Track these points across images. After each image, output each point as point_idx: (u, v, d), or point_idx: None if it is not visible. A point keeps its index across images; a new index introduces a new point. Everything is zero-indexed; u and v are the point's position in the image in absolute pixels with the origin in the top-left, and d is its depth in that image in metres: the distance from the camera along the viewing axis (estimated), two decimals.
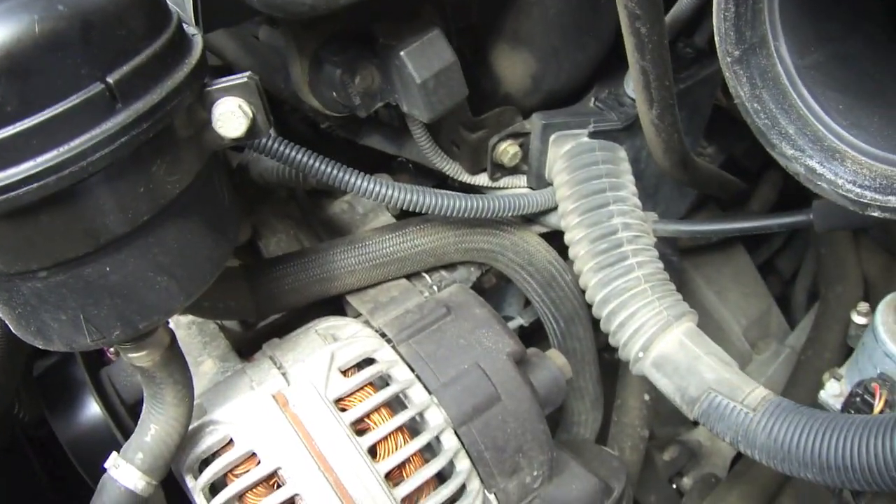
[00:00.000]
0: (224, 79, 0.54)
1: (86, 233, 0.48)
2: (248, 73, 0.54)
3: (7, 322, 0.56)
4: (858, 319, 0.87)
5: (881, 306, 0.74)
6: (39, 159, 0.43)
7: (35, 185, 0.43)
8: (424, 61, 0.74)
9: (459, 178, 0.87)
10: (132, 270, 0.51)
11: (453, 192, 0.80)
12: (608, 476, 0.85)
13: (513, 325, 0.96)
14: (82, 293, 0.52)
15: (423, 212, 0.80)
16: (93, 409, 0.88)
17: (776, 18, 0.58)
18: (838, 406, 0.77)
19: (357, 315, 0.83)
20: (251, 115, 0.53)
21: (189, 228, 0.53)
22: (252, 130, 0.53)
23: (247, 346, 0.85)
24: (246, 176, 0.88)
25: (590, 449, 0.90)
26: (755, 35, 0.58)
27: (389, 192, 0.79)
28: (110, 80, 0.45)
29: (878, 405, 0.65)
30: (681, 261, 1.04)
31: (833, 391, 0.75)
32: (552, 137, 0.83)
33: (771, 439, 0.63)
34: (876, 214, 0.55)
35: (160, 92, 0.46)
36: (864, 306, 0.88)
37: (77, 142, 0.44)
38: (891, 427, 0.56)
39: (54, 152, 0.44)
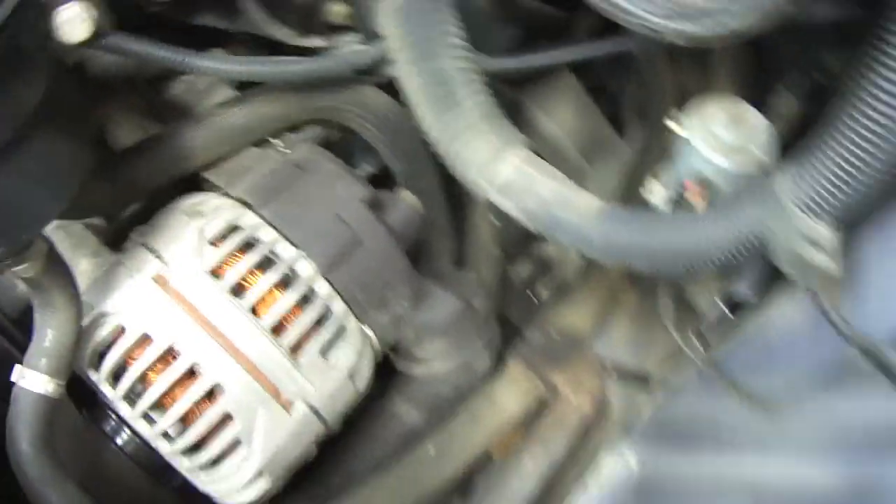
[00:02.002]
0: None
1: None
2: None
3: None
4: (673, 127, 1.00)
5: (688, 112, 0.87)
6: None
7: None
8: None
9: (293, 43, 0.93)
10: (4, 186, 0.56)
11: (288, 58, 0.87)
12: (470, 296, 0.99)
13: (362, 173, 1.05)
14: None
15: (259, 80, 0.86)
16: None
17: None
18: (665, 208, 0.92)
19: (216, 189, 0.91)
20: (94, 17, 0.57)
21: (52, 137, 0.59)
22: (97, 32, 0.58)
23: (115, 239, 0.92)
24: (84, 74, 0.91)
25: (450, 274, 1.04)
26: None
27: (225, 66, 0.85)
28: None
29: (699, 203, 0.79)
30: (513, 92, 1.15)
31: (659, 195, 0.89)
32: None
33: (608, 242, 0.77)
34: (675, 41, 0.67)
35: (2, 13, 0.51)
36: (677, 114, 1.01)
37: None
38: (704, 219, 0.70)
39: None
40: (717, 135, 0.75)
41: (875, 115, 0.58)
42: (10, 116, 0.55)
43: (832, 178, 0.62)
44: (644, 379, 0.95)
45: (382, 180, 1.05)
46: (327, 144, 0.99)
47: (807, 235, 0.65)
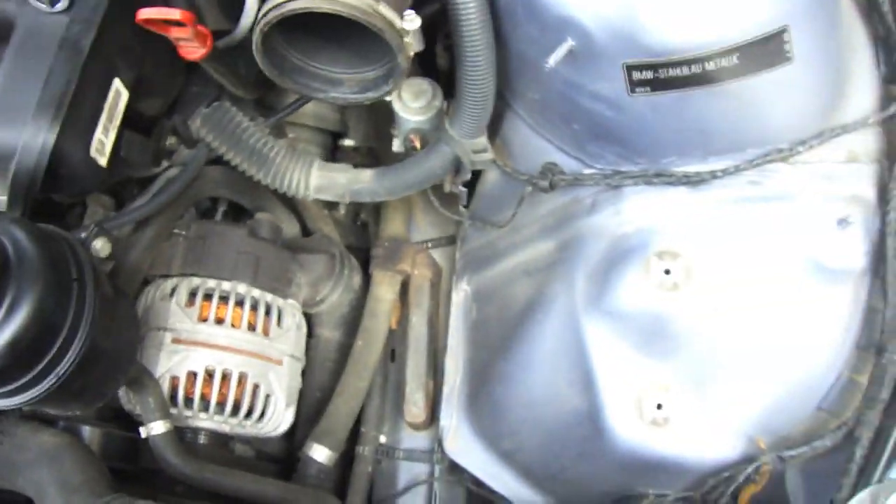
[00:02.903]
0: None
1: None
2: None
3: None
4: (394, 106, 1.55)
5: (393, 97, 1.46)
6: None
7: None
8: None
9: (149, 174, 1.44)
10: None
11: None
12: (328, 248, 1.58)
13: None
14: None
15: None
16: None
17: None
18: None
19: (161, 276, 1.43)
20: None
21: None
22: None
23: None
24: None
25: (311, 243, 1.60)
26: None
27: None
28: None
29: (418, 146, 1.38)
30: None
31: (397, 146, 1.47)
32: None
33: (384, 188, 1.38)
34: None
35: None
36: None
37: None
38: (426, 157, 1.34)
39: None
40: (410, 106, 1.34)
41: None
42: None
43: (467, 116, 1.24)
44: (452, 238, 1.61)
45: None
46: (203, 212, 1.53)
47: (473, 150, 1.30)
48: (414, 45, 1.16)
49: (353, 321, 1.59)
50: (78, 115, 1.15)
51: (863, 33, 1.27)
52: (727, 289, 1.24)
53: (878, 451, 1.13)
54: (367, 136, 1.67)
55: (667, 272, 1.23)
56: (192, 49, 1.22)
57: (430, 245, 1.66)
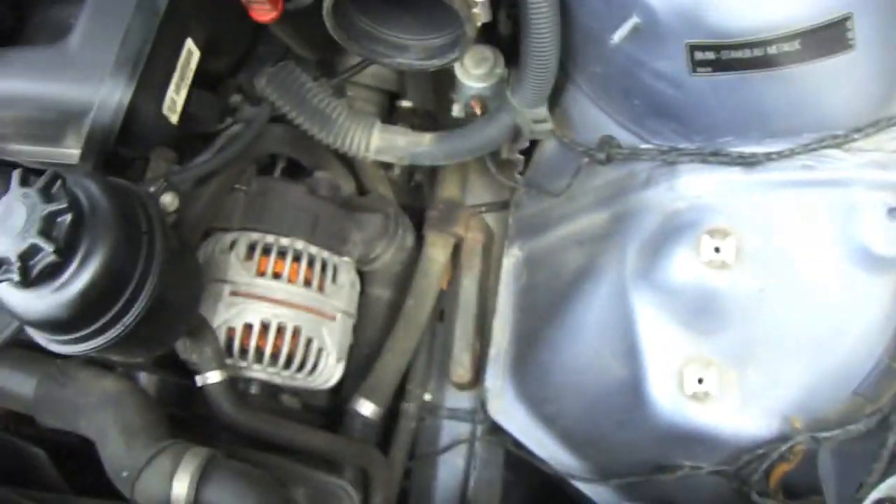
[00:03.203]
0: None
1: None
2: None
3: None
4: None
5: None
6: None
7: None
8: None
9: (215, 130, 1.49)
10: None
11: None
12: (383, 208, 1.62)
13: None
14: None
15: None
16: None
17: None
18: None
19: (223, 230, 1.49)
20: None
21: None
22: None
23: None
24: None
25: (368, 201, 1.64)
26: None
27: None
28: None
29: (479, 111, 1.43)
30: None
31: (457, 110, 1.52)
32: None
33: (444, 153, 1.42)
34: None
35: None
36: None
37: None
38: (485, 124, 1.38)
39: None
40: (472, 72, 1.39)
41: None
42: None
43: (529, 86, 1.28)
44: (505, 204, 1.65)
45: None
46: (263, 168, 1.58)
47: (532, 119, 1.33)
48: (482, 15, 1.18)
49: (405, 280, 1.63)
50: (153, 74, 1.20)
51: None
52: (774, 270, 1.27)
53: None
54: (425, 99, 1.70)
55: (717, 250, 1.26)
56: (264, 11, 1.25)
57: (484, 209, 1.69)
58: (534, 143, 1.51)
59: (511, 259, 1.51)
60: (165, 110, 1.24)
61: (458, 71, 1.38)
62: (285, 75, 1.43)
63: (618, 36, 1.16)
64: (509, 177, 1.56)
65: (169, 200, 1.25)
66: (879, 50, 1.19)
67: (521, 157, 1.48)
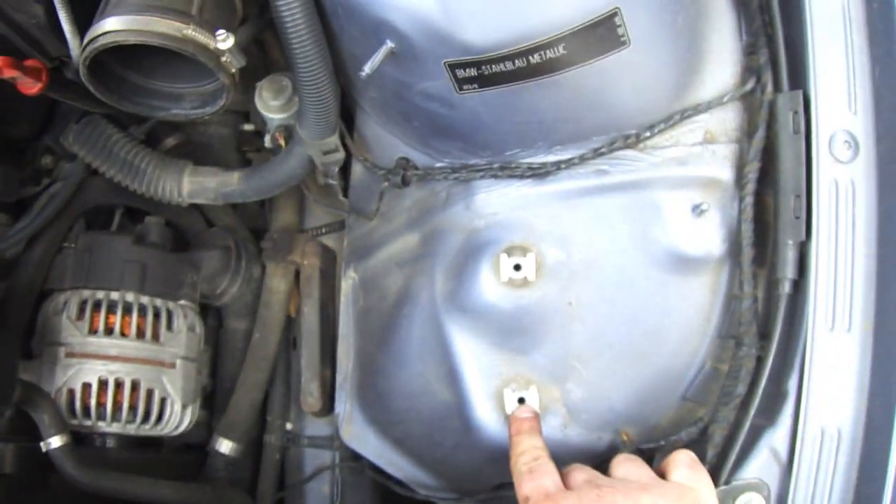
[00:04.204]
0: None
1: None
2: None
3: None
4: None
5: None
6: None
7: None
8: None
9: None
10: None
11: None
12: (223, 242, 1.60)
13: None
14: None
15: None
16: None
17: None
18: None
19: (56, 290, 1.47)
20: None
21: None
22: None
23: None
24: None
25: (208, 237, 1.62)
26: None
27: None
28: None
29: (282, 142, 1.38)
30: None
31: (267, 143, 1.48)
32: None
33: (251, 188, 1.39)
34: None
35: None
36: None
37: None
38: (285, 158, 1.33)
39: None
40: (270, 104, 1.33)
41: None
42: None
43: (310, 118, 1.22)
44: (342, 224, 1.60)
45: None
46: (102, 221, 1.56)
47: (323, 150, 1.28)
48: (234, 61, 1.13)
49: (255, 308, 1.62)
50: None
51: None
52: (581, 282, 1.22)
53: (728, 449, 1.12)
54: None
55: (517, 268, 1.21)
56: (29, 85, 1.22)
57: (324, 231, 1.65)
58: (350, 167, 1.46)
59: (349, 281, 1.47)
60: None
61: (258, 103, 1.34)
62: (90, 130, 1.41)
63: (369, 66, 1.10)
64: (334, 201, 1.51)
65: None
66: (663, 39, 1.13)
67: (335, 183, 1.44)
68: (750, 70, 1.18)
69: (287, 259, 1.57)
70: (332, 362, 1.53)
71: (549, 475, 1.04)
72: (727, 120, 1.19)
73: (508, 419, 1.20)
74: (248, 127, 1.64)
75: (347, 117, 1.37)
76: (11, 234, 1.39)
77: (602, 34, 1.05)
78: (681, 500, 0.99)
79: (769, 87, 1.14)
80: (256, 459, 1.61)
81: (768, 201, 1.16)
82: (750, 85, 1.16)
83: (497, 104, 1.14)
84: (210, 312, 1.64)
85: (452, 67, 1.09)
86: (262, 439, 1.62)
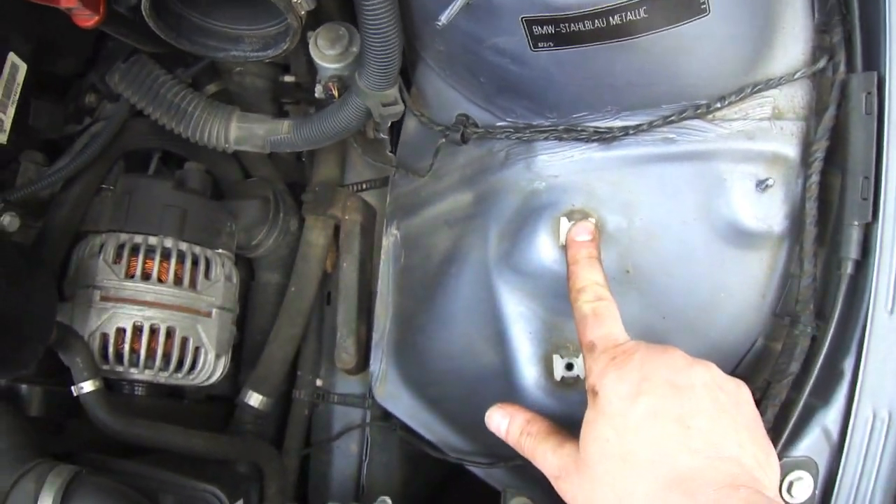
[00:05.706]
0: None
1: None
2: None
3: None
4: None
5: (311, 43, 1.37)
6: None
7: None
8: None
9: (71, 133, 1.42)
10: None
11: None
12: (262, 193, 1.56)
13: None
14: None
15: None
16: None
17: None
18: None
19: (92, 232, 1.44)
20: None
21: None
22: None
23: None
24: None
25: (245, 186, 1.59)
26: None
27: None
28: None
29: (335, 92, 1.33)
30: None
31: (318, 92, 1.42)
32: None
33: (302, 139, 1.35)
34: None
35: None
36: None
37: None
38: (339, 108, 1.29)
39: None
40: (326, 53, 1.29)
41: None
42: None
43: (372, 69, 1.18)
44: (387, 180, 1.56)
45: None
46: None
47: (382, 102, 1.25)
48: (305, 3, 1.10)
49: (293, 263, 1.58)
50: None
51: None
52: (640, 250, 1.20)
53: (780, 427, 1.11)
54: (308, 72, 1.61)
55: None
56: (86, 17, 1.17)
57: (366, 186, 1.61)
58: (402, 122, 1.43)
59: (390, 238, 1.44)
60: None
61: (313, 52, 1.29)
62: (137, 70, 1.36)
63: (445, 17, 1.06)
64: (381, 156, 1.48)
65: (8, 222, 1.20)
66: (741, 11, 1.10)
67: (386, 138, 1.40)
68: (821, 48, 1.16)
69: (327, 213, 1.54)
70: (369, 320, 1.51)
71: (615, 321, 1.02)
72: (796, 97, 1.17)
73: (566, 240, 1.16)
74: (288, 78, 1.59)
75: (402, 72, 1.33)
76: (51, 172, 1.34)
77: (684, 0, 1.03)
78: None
79: (842, 67, 1.13)
80: (283, 414, 1.58)
81: (832, 180, 1.15)
82: (822, 63, 1.14)
83: (570, 64, 1.11)
84: (240, 264, 1.60)
85: (529, 23, 1.06)
86: (291, 394, 1.59)
